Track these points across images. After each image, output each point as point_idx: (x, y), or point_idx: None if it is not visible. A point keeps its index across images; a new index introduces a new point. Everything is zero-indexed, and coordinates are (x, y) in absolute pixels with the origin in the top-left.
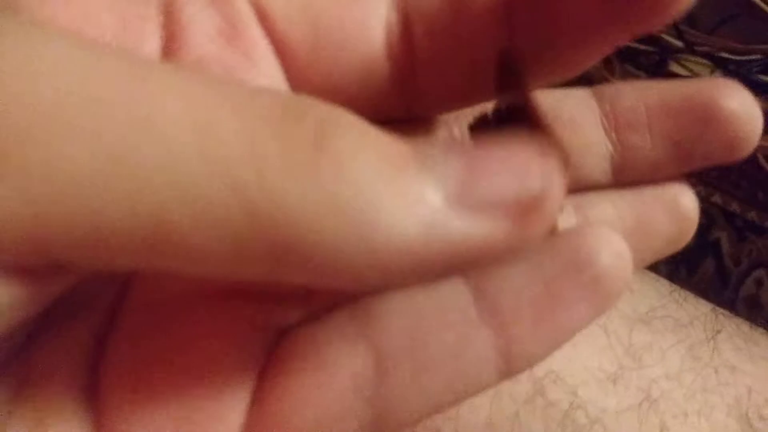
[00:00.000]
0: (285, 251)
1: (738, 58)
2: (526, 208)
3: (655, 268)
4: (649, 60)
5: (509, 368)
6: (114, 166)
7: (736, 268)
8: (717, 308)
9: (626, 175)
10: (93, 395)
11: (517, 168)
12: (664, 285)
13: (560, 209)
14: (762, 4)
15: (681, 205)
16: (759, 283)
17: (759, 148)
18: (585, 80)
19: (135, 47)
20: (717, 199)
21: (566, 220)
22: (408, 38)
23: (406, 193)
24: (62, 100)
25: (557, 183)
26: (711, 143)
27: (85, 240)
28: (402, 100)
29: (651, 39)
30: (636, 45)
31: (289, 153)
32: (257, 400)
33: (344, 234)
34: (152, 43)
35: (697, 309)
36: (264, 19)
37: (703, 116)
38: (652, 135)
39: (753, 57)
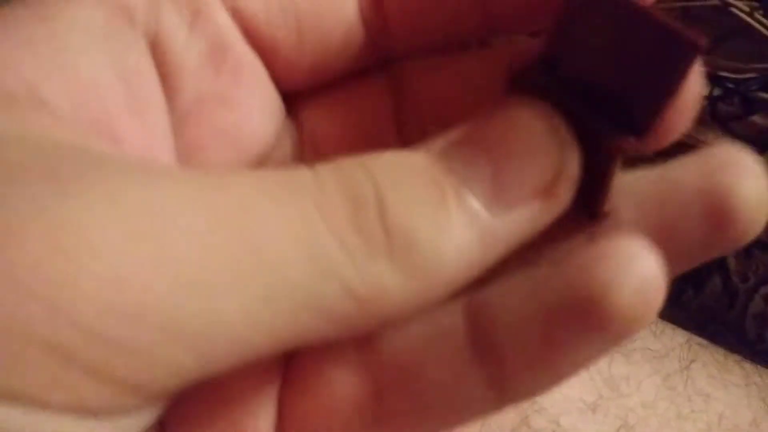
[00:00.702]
0: (385, 315)
1: (736, 76)
2: (551, 185)
3: None
4: None
5: (502, 403)
6: (260, 305)
7: (743, 285)
8: (692, 338)
9: None
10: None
11: (534, 153)
12: None
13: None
14: (756, 24)
15: (733, 193)
16: (767, 300)
17: None
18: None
19: (144, 109)
20: None
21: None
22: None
23: (457, 221)
24: (202, 257)
25: (570, 149)
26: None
27: (235, 363)
28: (377, 53)
29: None
30: None
31: (366, 241)
32: (281, 416)
33: (425, 283)
34: (157, 98)
35: (673, 340)
36: (247, 28)
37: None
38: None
39: (749, 75)
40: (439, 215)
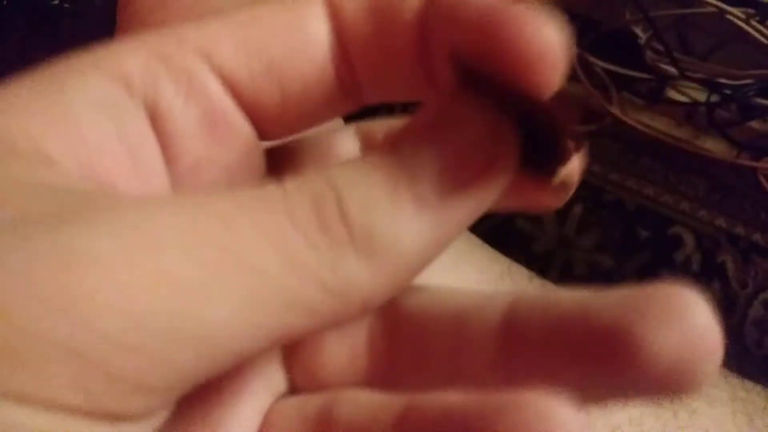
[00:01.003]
0: (360, 303)
1: (733, 82)
2: (490, 166)
3: None
4: (646, 87)
5: None
6: (247, 307)
7: (742, 291)
8: None
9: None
10: None
11: (471, 137)
12: None
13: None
14: (752, 31)
15: (643, 342)
16: (767, 306)
17: (761, 169)
18: (584, 109)
19: (146, 172)
20: (721, 222)
21: None
22: (344, 49)
23: (410, 209)
24: (194, 268)
25: (505, 136)
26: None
27: (232, 359)
28: (350, 100)
29: (646, 67)
30: (633, 73)
31: (331, 240)
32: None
33: (389, 269)
34: (158, 163)
35: None
36: (235, 92)
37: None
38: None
39: (746, 81)
40: (394, 206)
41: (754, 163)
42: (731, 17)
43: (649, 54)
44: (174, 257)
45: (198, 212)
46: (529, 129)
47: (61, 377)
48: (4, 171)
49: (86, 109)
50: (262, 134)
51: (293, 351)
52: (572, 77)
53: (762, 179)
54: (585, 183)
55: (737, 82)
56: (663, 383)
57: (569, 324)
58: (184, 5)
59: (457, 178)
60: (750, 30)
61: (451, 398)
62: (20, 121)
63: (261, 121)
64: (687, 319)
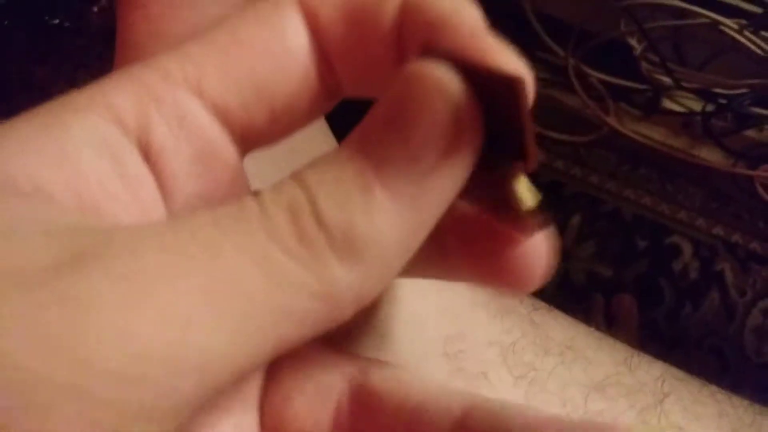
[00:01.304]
0: (353, 303)
1: (727, 92)
2: (454, 148)
3: (660, 302)
4: (642, 98)
5: None
6: (242, 329)
7: (741, 299)
8: (667, 372)
9: None
10: None
11: (431, 112)
12: (619, 352)
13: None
14: (746, 42)
15: None
16: (766, 313)
17: (758, 178)
18: (580, 120)
19: (148, 207)
20: (719, 230)
21: None
22: (323, 51)
23: (383, 200)
24: (186, 301)
25: (467, 109)
26: None
27: (232, 378)
28: (333, 97)
29: (642, 78)
30: (629, 84)
31: (310, 247)
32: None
33: (374, 265)
34: (156, 198)
35: (648, 374)
36: (227, 121)
37: None
38: None
39: (741, 91)
40: (367, 200)
41: (751, 172)
42: (725, 28)
43: (644, 65)
44: (166, 293)
45: (184, 244)
46: (494, 126)
47: (67, 416)
48: (5, 209)
49: (85, 147)
50: (250, 148)
51: (267, 399)
52: (568, 88)
53: (759, 188)
54: (583, 193)
55: (732, 92)
56: None
57: None
58: (180, 34)
59: (425, 162)
60: (743, 40)
61: None
62: (20, 159)
63: (251, 139)
64: None
